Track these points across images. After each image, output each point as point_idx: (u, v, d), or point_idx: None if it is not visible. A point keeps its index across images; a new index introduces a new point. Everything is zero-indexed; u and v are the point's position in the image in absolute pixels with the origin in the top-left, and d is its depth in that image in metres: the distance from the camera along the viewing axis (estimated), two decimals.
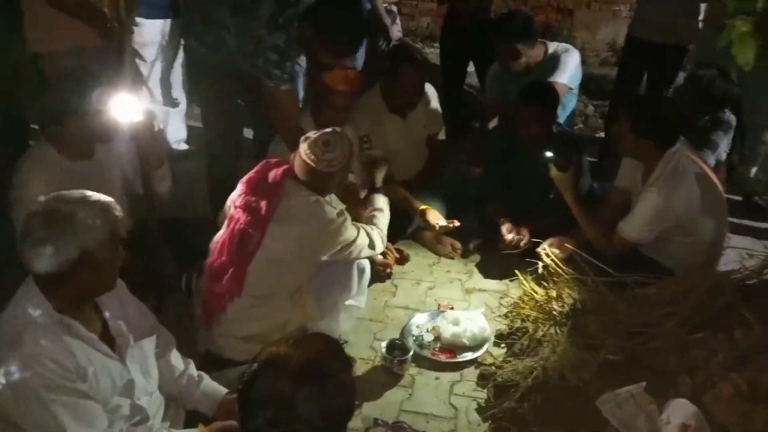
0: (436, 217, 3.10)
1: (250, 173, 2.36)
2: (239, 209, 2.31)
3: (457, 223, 3.09)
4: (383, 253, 2.90)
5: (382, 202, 2.70)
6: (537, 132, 3.04)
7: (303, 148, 2.27)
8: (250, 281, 2.28)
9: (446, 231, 3.13)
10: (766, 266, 2.08)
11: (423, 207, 3.13)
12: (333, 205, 2.37)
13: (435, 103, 3.43)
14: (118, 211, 1.69)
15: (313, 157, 2.24)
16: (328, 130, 2.31)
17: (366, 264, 2.64)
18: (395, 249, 3.15)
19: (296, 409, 1.24)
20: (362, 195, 2.85)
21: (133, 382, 1.80)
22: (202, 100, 3.26)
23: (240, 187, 2.35)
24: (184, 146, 4.11)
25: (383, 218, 2.63)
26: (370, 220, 2.59)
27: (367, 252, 2.48)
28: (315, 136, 2.28)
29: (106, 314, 1.79)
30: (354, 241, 2.38)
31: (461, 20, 4.06)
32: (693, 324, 2.02)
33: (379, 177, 2.74)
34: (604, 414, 1.85)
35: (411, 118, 3.32)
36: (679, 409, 1.66)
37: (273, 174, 2.29)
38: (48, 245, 1.56)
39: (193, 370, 2.05)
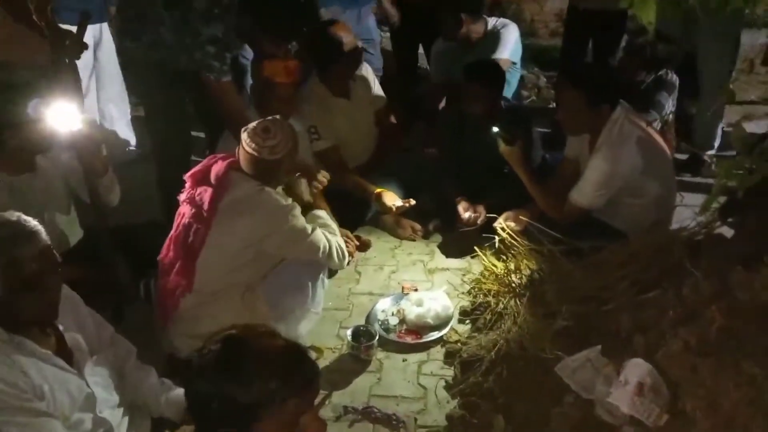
0: (392, 199, 3.10)
1: (195, 168, 2.34)
2: (185, 203, 2.30)
3: (412, 202, 3.10)
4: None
5: (326, 217, 2.63)
6: (484, 109, 3.06)
7: (244, 138, 2.25)
8: (199, 276, 2.27)
9: (403, 212, 3.14)
10: (711, 222, 2.13)
11: (378, 190, 3.13)
12: (283, 194, 2.36)
13: (371, 76, 3.41)
14: (44, 239, 1.63)
15: (254, 145, 2.22)
16: (268, 118, 2.29)
17: (323, 273, 2.61)
18: (355, 236, 3.15)
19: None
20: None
21: (94, 396, 1.77)
22: (144, 102, 3.20)
23: (186, 182, 2.33)
24: (132, 149, 4.03)
25: (336, 232, 2.58)
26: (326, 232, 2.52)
27: (324, 255, 2.45)
28: (254, 124, 2.26)
29: (61, 328, 1.76)
30: (307, 233, 2.36)
31: (410, 2, 4.05)
32: (644, 284, 2.07)
33: (305, 192, 2.61)
34: (564, 379, 1.89)
35: (355, 97, 3.31)
36: (635, 369, 1.70)
37: (217, 167, 2.27)
38: None
39: (154, 377, 2.02)
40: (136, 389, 1.97)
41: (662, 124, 3.45)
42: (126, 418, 1.90)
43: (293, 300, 2.46)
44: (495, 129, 2.83)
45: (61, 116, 2.22)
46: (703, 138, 3.83)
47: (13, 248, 1.58)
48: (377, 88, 3.44)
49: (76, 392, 1.72)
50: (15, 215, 1.64)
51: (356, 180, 3.20)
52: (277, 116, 2.34)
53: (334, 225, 2.60)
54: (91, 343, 1.84)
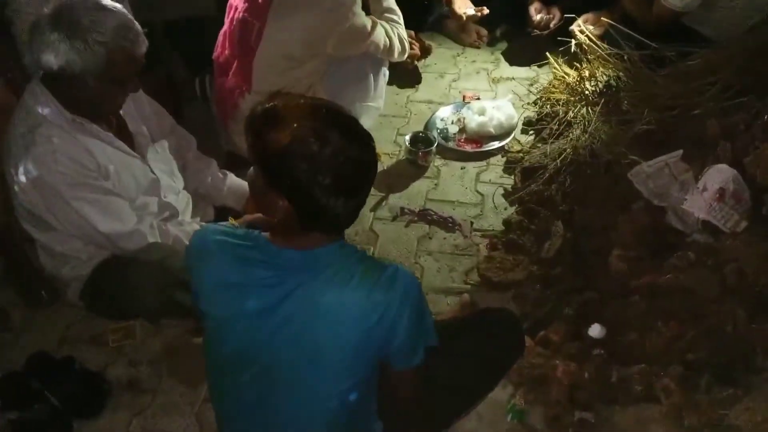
0: (464, 5, 2.85)
1: None
2: None
3: (486, 11, 2.86)
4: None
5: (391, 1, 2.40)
6: None
7: None
8: (257, 76, 2.16)
9: (474, 20, 2.90)
10: None
11: None
12: None
13: None
14: (139, 30, 1.55)
15: None
16: None
17: (384, 64, 2.47)
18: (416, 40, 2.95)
19: (352, 152, 1.11)
20: None
21: (158, 180, 1.79)
22: None
23: None
24: None
25: (399, 20, 2.38)
26: (388, 22, 2.34)
27: (385, 52, 2.30)
28: None
29: (121, 112, 1.74)
30: (368, 32, 2.19)
31: None
32: (735, 90, 1.88)
33: None
34: (636, 185, 1.80)
35: None
36: (717, 174, 1.59)
37: None
38: (68, 40, 1.45)
39: (216, 168, 2.04)
40: (198, 178, 2.00)
41: None
42: (190, 205, 1.94)
43: (355, 93, 2.35)
44: None
45: None
46: None
47: (130, 44, 1.52)
48: None
49: (140, 175, 1.74)
50: (119, 5, 1.55)
51: None
52: None
53: (397, 10, 2.40)
54: (152, 130, 1.83)
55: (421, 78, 2.94)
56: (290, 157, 1.08)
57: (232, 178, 2.03)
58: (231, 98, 2.22)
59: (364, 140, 1.15)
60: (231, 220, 1.88)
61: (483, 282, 1.98)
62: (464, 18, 2.87)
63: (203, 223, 1.87)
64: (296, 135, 1.08)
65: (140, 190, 1.75)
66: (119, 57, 1.51)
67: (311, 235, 1.16)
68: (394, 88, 2.86)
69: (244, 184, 2.01)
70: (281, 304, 1.14)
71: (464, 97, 2.79)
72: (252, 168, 1.18)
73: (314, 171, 1.08)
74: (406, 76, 2.89)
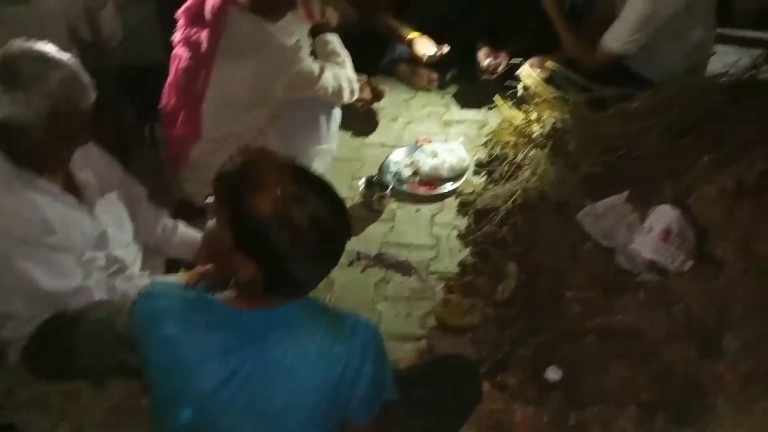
0: (425, 46, 2.89)
1: (188, 2, 2.11)
2: (180, 45, 2.11)
3: (445, 50, 2.88)
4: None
5: (336, 43, 2.41)
6: None
7: None
8: (206, 123, 2.14)
9: (435, 60, 2.94)
10: (756, 66, 1.97)
11: (412, 35, 2.91)
12: (288, 31, 2.17)
13: None
14: (87, 82, 1.54)
15: None
16: None
17: (335, 107, 2.48)
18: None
19: (320, 212, 1.06)
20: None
21: (106, 234, 1.74)
22: None
23: (179, 20, 2.12)
24: None
25: (347, 61, 2.39)
26: (336, 65, 2.35)
27: (334, 95, 2.31)
28: None
29: (69, 165, 1.69)
30: (316, 76, 2.20)
31: None
32: (678, 131, 1.95)
33: (316, 8, 2.37)
34: (584, 228, 1.84)
35: None
36: (662, 215, 1.64)
37: (212, 1, 2.04)
38: (9, 93, 1.43)
39: (167, 218, 2.00)
40: (148, 229, 1.95)
41: None
42: (139, 258, 1.89)
43: (307, 137, 2.35)
44: None
45: None
46: None
47: (76, 97, 1.50)
48: None
49: (87, 229, 1.69)
50: (66, 56, 1.53)
51: (390, 21, 2.95)
52: None
53: (344, 52, 2.41)
54: (100, 182, 1.78)
55: (377, 123, 2.96)
56: (271, 226, 1.04)
57: (183, 229, 1.99)
58: (180, 147, 2.19)
59: (341, 207, 1.13)
60: (182, 272, 1.85)
61: (440, 326, 1.97)
62: (425, 59, 2.89)
63: (153, 278, 1.82)
64: (279, 204, 1.05)
65: (87, 244, 1.69)
66: (64, 110, 1.48)
67: (273, 296, 1.13)
68: (347, 131, 2.87)
69: (195, 235, 1.97)
70: (239, 371, 1.09)
71: (417, 140, 2.82)
72: (213, 223, 1.14)
73: (294, 241, 1.05)
74: (362, 122, 2.91)
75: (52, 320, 1.66)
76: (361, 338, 1.13)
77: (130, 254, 1.85)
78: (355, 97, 2.45)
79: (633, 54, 2.48)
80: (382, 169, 2.64)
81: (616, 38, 2.44)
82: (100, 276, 1.70)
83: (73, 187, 1.69)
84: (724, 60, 2.21)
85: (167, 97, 2.21)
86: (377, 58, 3.07)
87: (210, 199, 1.14)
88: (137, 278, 1.79)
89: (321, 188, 1.11)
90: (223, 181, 1.11)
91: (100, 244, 1.73)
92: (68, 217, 1.63)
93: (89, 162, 1.76)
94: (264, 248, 1.06)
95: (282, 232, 1.04)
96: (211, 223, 1.14)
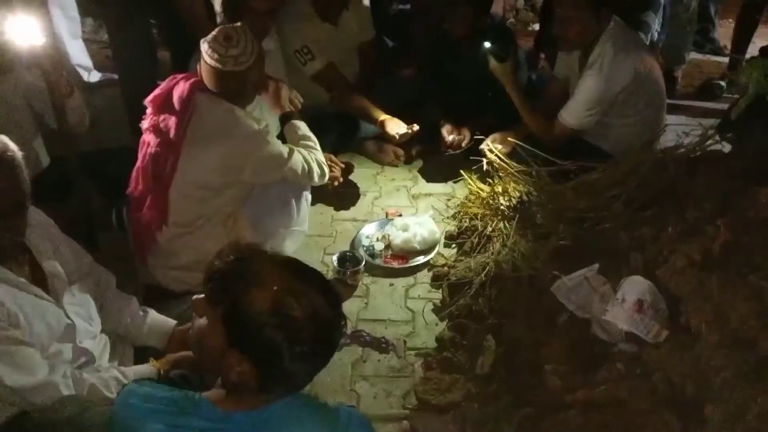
0: (396, 126, 2.95)
1: (156, 91, 2.13)
2: (148, 132, 2.12)
3: (416, 128, 2.94)
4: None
5: (305, 129, 2.45)
6: (469, 27, 2.93)
7: (204, 49, 2.04)
8: (173, 209, 2.13)
9: (406, 138, 3.00)
10: (706, 139, 2.09)
11: (383, 117, 2.99)
12: (255, 117, 2.20)
13: (365, 10, 3.22)
14: (20, 163, 1.50)
15: (216, 56, 2.02)
16: (229, 25, 2.09)
17: (306, 188, 2.50)
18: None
19: (316, 311, 1.06)
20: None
21: (73, 325, 1.68)
22: (107, 22, 2.98)
23: (147, 108, 2.13)
24: (96, 75, 3.81)
25: (316, 146, 2.43)
26: (305, 149, 2.37)
27: (303, 177, 2.32)
28: (214, 32, 2.05)
29: (35, 254, 1.65)
30: (284, 159, 2.22)
31: None
32: (640, 202, 2.03)
33: (285, 99, 2.42)
34: (559, 299, 1.87)
35: (343, 24, 3.11)
36: (634, 286, 1.68)
37: (180, 89, 2.07)
38: None
39: (136, 306, 1.94)
40: (117, 318, 1.89)
41: (650, 44, 3.36)
42: (108, 348, 1.83)
43: (278, 219, 2.35)
44: (486, 45, 2.69)
45: (21, 30, 2.02)
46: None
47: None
48: (367, 10, 3.24)
49: (54, 321, 1.63)
50: None
51: (362, 102, 3.02)
52: (238, 24, 2.11)
53: (313, 137, 2.44)
54: (68, 271, 1.74)
55: (358, 198, 2.99)
56: (269, 322, 1.02)
57: (154, 316, 1.93)
58: (148, 232, 2.17)
59: (336, 299, 1.12)
60: (152, 361, 1.78)
61: (421, 406, 1.94)
62: (398, 137, 2.95)
63: (122, 369, 1.75)
64: (277, 299, 1.03)
65: (54, 336, 1.63)
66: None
67: (266, 395, 1.10)
68: (317, 207, 2.89)
69: (166, 322, 1.92)
70: None
71: (387, 213, 2.86)
72: (203, 321, 1.10)
73: (292, 337, 1.03)
74: (331, 197, 2.93)
75: (16, 421, 1.57)
76: (356, 430, 1.12)
77: (98, 345, 1.79)
78: (326, 179, 2.47)
79: (590, 129, 2.60)
80: (354, 244, 2.66)
81: (572, 113, 2.56)
82: (67, 369, 1.63)
83: (40, 278, 1.65)
84: (677, 131, 2.33)
85: (135, 183, 2.19)
86: (345, 137, 3.12)
87: (197, 297, 1.12)
88: (105, 371, 1.72)
89: (316, 281, 1.11)
90: (215, 278, 1.08)
91: (67, 336, 1.67)
92: (34, 309, 1.58)
93: (57, 253, 1.72)
94: (261, 345, 1.03)
95: (280, 327, 1.03)
96: (200, 321, 1.10)
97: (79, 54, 3.71)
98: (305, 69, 2.96)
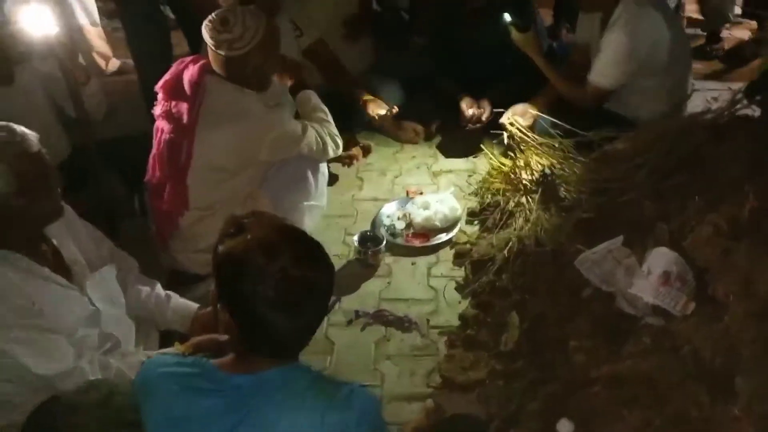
0: (376, 107, 2.94)
1: (165, 77, 2.12)
2: (161, 118, 2.12)
3: (395, 110, 2.95)
4: (347, 146, 2.77)
5: (316, 99, 2.44)
6: None
7: (203, 31, 2.02)
8: (192, 193, 2.14)
9: (385, 119, 2.99)
10: (734, 104, 2.01)
11: (366, 98, 2.97)
12: (268, 93, 2.18)
13: None
14: (35, 145, 1.53)
15: (212, 41, 2.00)
16: (227, 8, 2.07)
17: (322, 161, 2.49)
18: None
19: (300, 274, 1.10)
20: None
21: (98, 311, 1.71)
22: (120, 7, 2.98)
23: (158, 95, 2.13)
24: (115, 63, 3.83)
25: (328, 117, 2.42)
26: (318, 122, 2.37)
27: (319, 152, 2.32)
28: (213, 15, 2.03)
29: (56, 243, 1.67)
30: (299, 136, 2.21)
31: None
32: (666, 171, 1.97)
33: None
34: (583, 273, 1.83)
35: None
36: (660, 258, 1.63)
37: (189, 73, 2.06)
38: None
39: (160, 290, 1.96)
40: (140, 303, 1.92)
41: (675, 7, 3.25)
42: (133, 332, 1.85)
43: (296, 194, 2.34)
44: (506, 16, 2.62)
45: (36, 19, 2.03)
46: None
47: (23, 147, 1.50)
48: None
49: (78, 308, 1.65)
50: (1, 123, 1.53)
51: (349, 82, 3.01)
52: (249, 7, 2.09)
53: (324, 107, 2.43)
54: (90, 258, 1.76)
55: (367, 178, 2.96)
56: (235, 265, 1.09)
57: (177, 300, 1.95)
58: (169, 219, 2.18)
59: (317, 262, 1.15)
60: (176, 345, 1.80)
61: (445, 384, 1.93)
62: (377, 119, 2.95)
63: (147, 353, 1.77)
64: (247, 245, 1.10)
65: (79, 323, 1.66)
66: (24, 165, 1.48)
67: (261, 359, 1.13)
68: (337, 187, 2.88)
69: (189, 305, 1.94)
70: None
71: (408, 192, 2.83)
72: (213, 289, 1.19)
73: (260, 285, 1.08)
74: (352, 177, 2.93)
75: (45, 406, 1.60)
76: (357, 408, 1.12)
77: (123, 330, 1.81)
78: (340, 151, 2.46)
79: (616, 94, 2.52)
80: (375, 223, 2.64)
81: (603, 74, 2.49)
82: (93, 354, 1.65)
83: (62, 267, 1.67)
84: (706, 96, 2.25)
85: (152, 170, 2.21)
86: (362, 116, 3.08)
87: None
88: (131, 355, 1.75)
89: (297, 240, 1.15)
90: (220, 232, 1.17)
91: (92, 322, 1.69)
92: (58, 298, 1.60)
93: (78, 241, 1.74)
94: (230, 290, 1.10)
95: (246, 272, 1.08)
96: (213, 289, 1.19)
97: (98, 42, 3.73)
98: (299, 45, 2.93)
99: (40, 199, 1.54)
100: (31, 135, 1.54)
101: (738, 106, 2.00)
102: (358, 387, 1.17)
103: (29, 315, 1.53)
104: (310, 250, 1.16)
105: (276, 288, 1.08)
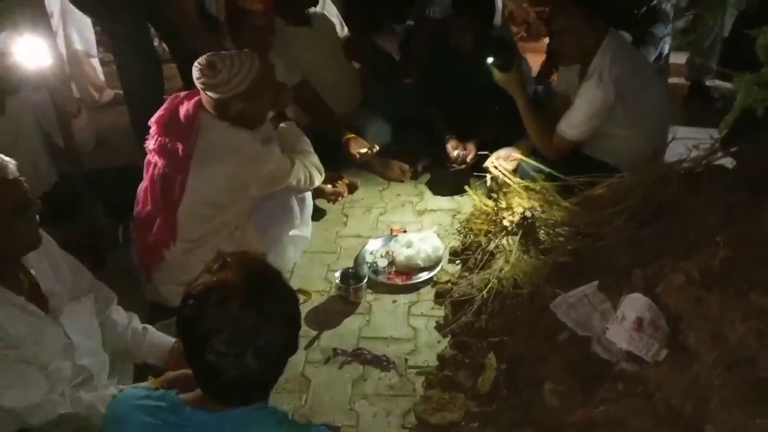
0: (357, 146, 2.99)
1: (159, 111, 2.15)
2: (154, 153, 2.14)
3: (376, 149, 3.00)
4: (333, 182, 2.80)
5: (295, 129, 2.48)
6: (473, 40, 2.93)
7: (193, 72, 2.06)
8: (182, 227, 2.15)
9: (366, 157, 3.02)
10: (711, 154, 2.05)
11: (349, 136, 3.02)
12: (262, 131, 2.22)
13: (333, 9, 3.29)
14: (12, 173, 1.53)
15: (199, 84, 2.04)
16: (225, 53, 2.11)
17: (307, 193, 2.53)
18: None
19: (251, 324, 1.11)
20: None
21: (72, 344, 1.69)
22: (112, 41, 3.03)
23: (152, 129, 2.15)
24: (109, 93, 3.87)
25: (310, 148, 2.45)
26: (301, 153, 2.41)
27: (305, 187, 2.36)
28: (202, 58, 2.07)
29: (34, 273, 1.66)
30: (288, 171, 2.25)
31: None
32: (643, 217, 2.00)
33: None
34: (559, 317, 1.84)
35: (318, 24, 3.15)
36: (633, 303, 1.65)
37: (184, 109, 2.09)
38: None
39: (137, 323, 1.95)
40: (117, 335, 1.90)
41: (658, 56, 3.34)
42: (107, 365, 1.83)
43: (282, 225, 2.37)
44: (489, 59, 2.68)
45: (29, 51, 2.07)
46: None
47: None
48: (339, 22, 3.30)
49: (53, 340, 1.64)
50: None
51: (333, 121, 3.07)
52: (245, 51, 2.16)
53: (306, 138, 2.47)
54: (68, 289, 1.75)
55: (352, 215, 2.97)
56: (192, 303, 1.13)
57: (153, 334, 1.94)
58: (155, 251, 2.18)
59: (272, 308, 1.14)
60: (151, 380, 1.78)
61: (421, 425, 1.91)
62: (358, 157, 3.00)
63: (120, 386, 1.75)
64: (206, 285, 1.13)
65: (53, 354, 1.64)
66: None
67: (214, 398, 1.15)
68: (322, 223, 2.90)
69: (165, 339, 1.92)
70: None
71: (392, 230, 2.85)
72: None
73: (208, 325, 1.10)
74: (337, 213, 2.95)
75: None
76: None
77: (98, 363, 1.79)
78: (323, 178, 2.49)
79: (592, 142, 2.57)
80: (358, 260, 2.65)
81: (570, 124, 2.53)
82: (65, 387, 1.63)
83: (39, 298, 1.66)
84: (687, 144, 2.29)
85: (142, 203, 2.21)
86: (343, 154, 3.12)
87: None
88: (104, 388, 1.73)
89: (257, 284, 1.15)
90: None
91: (66, 354, 1.67)
92: (33, 328, 1.59)
93: (56, 271, 1.73)
94: (185, 328, 1.13)
95: (194, 313, 1.11)
96: None
97: (92, 72, 3.78)
98: None
99: (17, 227, 1.54)
100: (10, 162, 1.54)
101: (718, 154, 2.05)
102: (325, 429, 1.17)
103: (1, 345, 1.51)
104: (267, 294, 1.14)
105: (225, 336, 1.10)
